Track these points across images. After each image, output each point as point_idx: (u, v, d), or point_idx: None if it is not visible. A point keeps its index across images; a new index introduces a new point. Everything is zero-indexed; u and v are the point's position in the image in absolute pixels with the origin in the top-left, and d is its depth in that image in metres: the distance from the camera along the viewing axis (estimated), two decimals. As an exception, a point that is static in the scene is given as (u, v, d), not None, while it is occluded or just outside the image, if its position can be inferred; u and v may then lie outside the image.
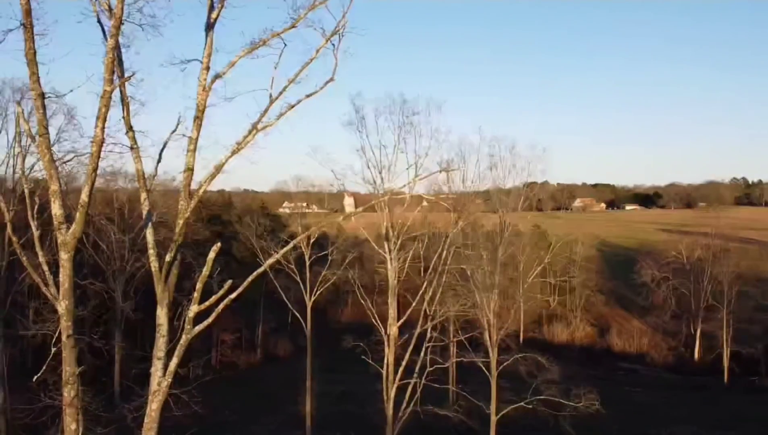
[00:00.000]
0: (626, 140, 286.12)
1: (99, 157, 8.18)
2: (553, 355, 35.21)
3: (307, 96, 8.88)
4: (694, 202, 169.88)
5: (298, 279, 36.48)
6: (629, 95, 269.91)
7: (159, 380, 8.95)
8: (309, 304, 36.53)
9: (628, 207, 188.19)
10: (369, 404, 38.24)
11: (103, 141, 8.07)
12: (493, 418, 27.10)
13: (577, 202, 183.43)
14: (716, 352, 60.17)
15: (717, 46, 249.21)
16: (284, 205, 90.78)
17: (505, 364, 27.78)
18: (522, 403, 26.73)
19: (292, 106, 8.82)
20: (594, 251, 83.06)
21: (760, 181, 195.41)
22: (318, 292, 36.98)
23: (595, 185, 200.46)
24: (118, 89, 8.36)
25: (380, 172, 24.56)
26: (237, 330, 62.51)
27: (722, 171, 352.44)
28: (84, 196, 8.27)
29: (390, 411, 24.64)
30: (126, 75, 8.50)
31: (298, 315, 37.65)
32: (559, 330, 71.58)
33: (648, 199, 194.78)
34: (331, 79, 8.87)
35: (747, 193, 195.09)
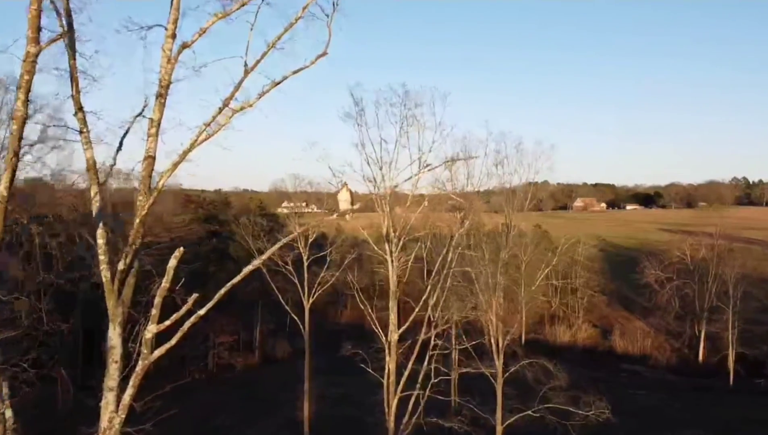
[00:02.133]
0: (626, 140, 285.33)
1: (21, 137, 6.63)
2: (556, 357, 34.33)
3: (294, 72, 7.52)
4: (694, 202, 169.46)
5: (295, 280, 35.51)
6: (629, 95, 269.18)
7: (111, 416, 7.32)
8: (307, 306, 35.57)
9: (629, 207, 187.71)
10: (368, 409, 37.31)
11: (26, 117, 6.60)
12: (499, 428, 26.13)
13: (578, 202, 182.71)
14: (721, 354, 59.34)
15: (718, 45, 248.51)
16: (283, 205, 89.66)
17: (512, 369, 26.80)
18: (529, 412, 25.75)
19: (277, 84, 7.38)
20: (595, 251, 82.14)
21: (760, 181, 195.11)
22: (316, 294, 36.03)
23: (596, 185, 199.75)
24: (68, 65, 7.15)
25: (381, 169, 23.39)
26: (234, 332, 61.59)
27: (723, 171, 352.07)
28: (2, 189, 6.78)
29: (391, 424, 23.47)
30: (73, 44, 7.07)
31: (296, 318, 36.68)
32: (562, 331, 70.72)
33: (648, 198, 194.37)
34: (324, 54, 7.56)
35: (747, 193, 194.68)
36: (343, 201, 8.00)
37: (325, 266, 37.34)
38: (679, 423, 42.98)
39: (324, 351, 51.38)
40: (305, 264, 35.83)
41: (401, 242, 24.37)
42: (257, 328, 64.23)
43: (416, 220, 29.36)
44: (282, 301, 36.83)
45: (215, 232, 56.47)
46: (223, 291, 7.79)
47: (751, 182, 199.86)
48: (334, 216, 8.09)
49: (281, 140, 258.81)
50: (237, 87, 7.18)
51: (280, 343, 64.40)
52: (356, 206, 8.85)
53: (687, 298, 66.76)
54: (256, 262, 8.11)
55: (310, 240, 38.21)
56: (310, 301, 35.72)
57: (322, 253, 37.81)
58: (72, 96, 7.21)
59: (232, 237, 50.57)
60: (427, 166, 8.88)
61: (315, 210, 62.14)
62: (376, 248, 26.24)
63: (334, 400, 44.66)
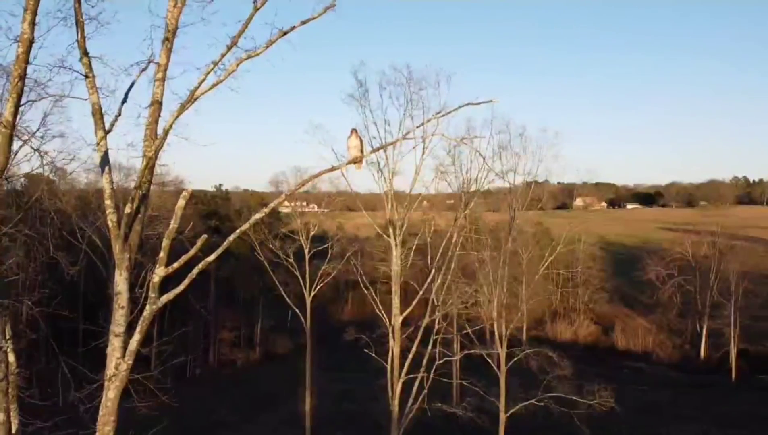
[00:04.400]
0: (627, 139, 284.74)
1: (27, 61, 6.55)
2: (558, 354, 34.18)
3: (302, 22, 7.32)
4: (695, 201, 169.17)
5: (297, 273, 35.37)
6: (629, 93, 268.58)
7: (117, 362, 7.14)
8: (309, 299, 35.44)
9: (630, 206, 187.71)
10: (370, 403, 37.26)
11: (32, 40, 6.52)
12: (503, 416, 25.97)
13: (578, 201, 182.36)
14: (723, 350, 59.20)
15: (718, 44, 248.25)
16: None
17: (515, 359, 26.66)
18: (533, 401, 25.59)
19: (284, 33, 7.18)
20: (597, 249, 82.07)
21: (761, 180, 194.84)
22: (318, 287, 35.89)
23: (597, 184, 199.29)
24: (73, 9, 7.04)
25: (384, 151, 23.30)
26: (235, 327, 61.58)
27: (723, 170, 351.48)
28: (8, 114, 6.63)
29: (395, 408, 23.27)
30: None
31: (297, 311, 36.54)
32: (563, 328, 70.61)
33: (649, 197, 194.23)
34: (332, 6, 7.42)
35: (748, 192, 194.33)
36: (353, 147, 7.81)
37: (327, 259, 37.22)
38: (681, 419, 42.85)
39: (326, 347, 51.31)
40: (307, 257, 35.75)
41: (405, 226, 24.26)
42: (258, 324, 64.19)
43: (417, 214, 29.26)
44: (284, 293, 36.69)
45: (216, 227, 56.39)
46: (232, 237, 7.68)
47: (751, 181, 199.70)
48: (345, 164, 7.78)
49: (282, 139, 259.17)
50: (246, 23, 7.02)
51: (281, 339, 64.36)
52: (367, 152, 8.62)
53: (689, 295, 66.64)
54: (265, 210, 7.94)
55: (312, 233, 38.16)
56: (312, 294, 35.61)
57: (323, 246, 37.71)
58: (77, 41, 7.15)
59: (233, 233, 50.38)
60: (439, 112, 8.59)
61: (315, 209, 62.05)
62: (380, 231, 26.06)
63: (337, 395, 44.59)
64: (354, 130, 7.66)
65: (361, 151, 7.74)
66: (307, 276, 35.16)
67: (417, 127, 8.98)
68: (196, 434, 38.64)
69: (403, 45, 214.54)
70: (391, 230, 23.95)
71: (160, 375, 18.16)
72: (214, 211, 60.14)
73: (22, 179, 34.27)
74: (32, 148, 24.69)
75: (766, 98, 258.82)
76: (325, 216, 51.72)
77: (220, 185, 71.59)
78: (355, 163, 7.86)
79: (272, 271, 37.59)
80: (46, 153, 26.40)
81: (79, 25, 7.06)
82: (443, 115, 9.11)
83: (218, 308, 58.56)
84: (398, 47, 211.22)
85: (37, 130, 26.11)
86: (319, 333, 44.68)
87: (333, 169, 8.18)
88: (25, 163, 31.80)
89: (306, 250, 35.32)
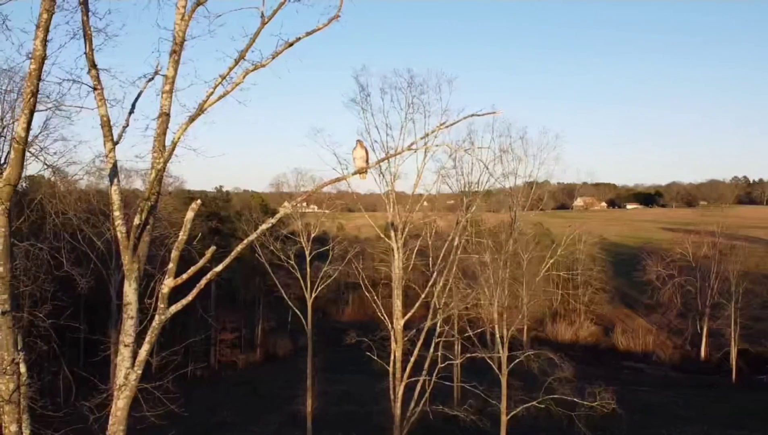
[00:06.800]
0: (627, 139, 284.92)
1: (39, 78, 6.61)
2: (559, 355, 34.20)
3: (308, 33, 7.29)
4: (695, 201, 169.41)
5: (298, 275, 35.41)
6: (629, 94, 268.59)
7: (126, 372, 7.21)
8: (309, 301, 35.45)
9: (630, 206, 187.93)
10: (371, 404, 37.34)
11: (44, 57, 6.57)
12: (504, 418, 26.01)
13: (579, 201, 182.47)
14: (724, 351, 59.29)
15: (718, 44, 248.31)
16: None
17: (516, 361, 26.70)
18: (534, 403, 25.64)
19: (290, 44, 7.29)
20: (597, 250, 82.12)
21: (761, 180, 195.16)
22: (319, 289, 35.92)
23: (597, 184, 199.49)
24: (81, 22, 7.09)
25: (386, 154, 23.39)
26: (236, 329, 61.61)
27: (723, 170, 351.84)
28: (20, 130, 6.68)
29: (398, 411, 23.31)
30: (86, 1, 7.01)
31: (298, 312, 36.59)
32: (563, 329, 70.62)
33: (649, 197, 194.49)
34: (336, 17, 7.41)
35: (748, 192, 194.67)
36: (359, 158, 7.91)
37: (328, 261, 37.26)
38: (682, 419, 42.86)
39: (326, 348, 51.36)
40: (308, 259, 35.76)
41: (406, 229, 24.33)
42: (259, 325, 64.29)
43: (419, 215, 29.32)
44: (284, 295, 36.75)
45: (217, 229, 56.48)
46: (239, 247, 7.71)
47: (751, 181, 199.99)
48: (351, 174, 7.88)
49: (283, 140, 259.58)
50: (253, 38, 7.08)
51: (281, 341, 64.47)
52: (373, 163, 8.73)
53: (689, 295, 66.68)
54: (272, 220, 8.01)
55: (313, 235, 38.19)
56: (313, 295, 35.63)
57: (324, 248, 37.77)
58: (85, 53, 7.20)
59: (234, 234, 50.51)
60: (443, 123, 8.63)
61: (316, 210, 62.17)
62: (381, 234, 26.14)
63: (337, 397, 44.63)
64: (359, 142, 7.75)
65: (367, 162, 7.83)
66: (308, 277, 35.17)
67: (420, 138, 9.02)
68: (198, 436, 38.66)
69: (403, 47, 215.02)
70: (392, 233, 24.02)
71: (164, 380, 18.38)
72: (215, 212, 60.22)
73: (24, 182, 34.52)
74: (32, 153, 24.74)
75: (767, 98, 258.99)
76: (326, 217, 51.76)
77: (221, 187, 71.70)
78: (360, 173, 7.95)
79: (273, 272, 37.65)
80: (47, 157, 26.48)
81: (87, 37, 7.12)
82: (447, 126, 9.19)
83: (219, 310, 58.61)
84: (400, 49, 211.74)
85: (39, 133, 26.20)
86: (319, 334, 44.73)
87: (338, 179, 8.27)
88: (26, 165, 32.04)
89: (307, 252, 35.32)
